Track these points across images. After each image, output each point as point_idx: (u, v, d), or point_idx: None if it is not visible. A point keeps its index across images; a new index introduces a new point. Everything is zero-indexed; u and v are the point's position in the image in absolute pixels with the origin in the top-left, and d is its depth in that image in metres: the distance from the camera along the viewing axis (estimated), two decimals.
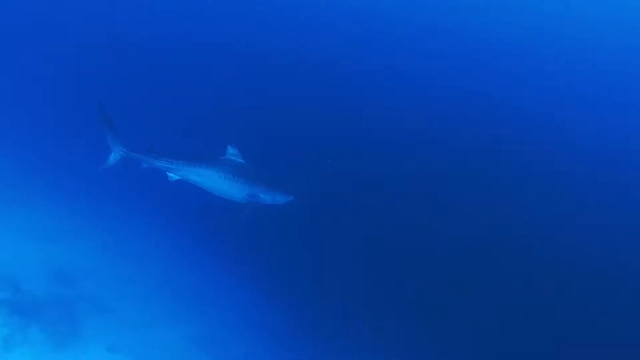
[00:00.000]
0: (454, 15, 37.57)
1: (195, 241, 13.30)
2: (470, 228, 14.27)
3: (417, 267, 12.97)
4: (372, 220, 14.16)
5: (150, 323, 10.65)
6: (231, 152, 9.18)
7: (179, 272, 12.24)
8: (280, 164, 12.69)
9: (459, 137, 19.40)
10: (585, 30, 40.24)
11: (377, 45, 29.81)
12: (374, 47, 29.29)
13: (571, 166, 19.36)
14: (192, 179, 9.26)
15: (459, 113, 21.83)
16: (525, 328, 11.80)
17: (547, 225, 15.42)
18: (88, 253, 11.77)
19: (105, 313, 10.42)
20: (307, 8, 32.76)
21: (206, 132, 15.71)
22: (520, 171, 18.12)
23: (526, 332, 11.71)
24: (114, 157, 9.48)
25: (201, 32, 25.21)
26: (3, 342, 8.93)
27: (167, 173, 9.28)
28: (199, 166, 9.08)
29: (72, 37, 21.81)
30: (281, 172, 11.06)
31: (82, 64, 20.31)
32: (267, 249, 12.96)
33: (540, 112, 24.22)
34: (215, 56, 22.85)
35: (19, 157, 14.64)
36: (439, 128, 19.93)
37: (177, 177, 9.28)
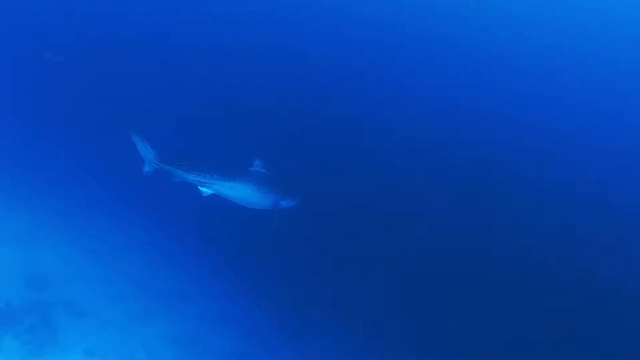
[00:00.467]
0: (458, 23, 37.19)
1: (173, 240, 13.12)
2: (470, 230, 14.32)
3: (407, 268, 13.00)
4: (364, 221, 14.09)
5: (129, 324, 10.57)
6: (257, 163, 9.44)
7: (157, 271, 12.10)
8: (291, 168, 12.48)
9: (465, 142, 19.32)
10: (583, 36, 40.27)
11: (387, 52, 29.39)
12: (383, 54, 28.89)
13: (567, 170, 19.47)
14: (225, 193, 9.35)
15: (462, 120, 21.74)
16: (524, 329, 11.82)
17: (546, 228, 15.50)
18: (63, 256, 11.52)
19: (82, 317, 10.28)
20: (332, 17, 32.09)
21: (217, 135, 15.43)
22: (520, 173, 18.20)
23: (525, 334, 11.74)
24: (147, 169, 9.45)
25: (219, 37, 24.29)
26: None
27: (200, 188, 9.28)
28: (232, 180, 9.20)
29: (85, 40, 20.78)
30: (292, 176, 11.08)
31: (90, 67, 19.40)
32: (249, 246, 12.85)
33: (537, 119, 24.28)
34: (232, 60, 22.13)
35: None
36: (448, 132, 19.82)
37: (211, 192, 9.31)
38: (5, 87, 16.59)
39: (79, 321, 10.17)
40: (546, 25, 40.68)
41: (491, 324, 11.67)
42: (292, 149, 15.21)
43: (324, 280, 12.46)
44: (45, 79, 17.56)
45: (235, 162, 9.63)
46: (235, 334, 11.13)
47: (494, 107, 24.05)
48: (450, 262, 13.33)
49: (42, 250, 11.42)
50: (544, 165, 19.31)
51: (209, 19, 26.65)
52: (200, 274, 12.38)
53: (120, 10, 24.00)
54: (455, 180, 16.59)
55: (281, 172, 9.72)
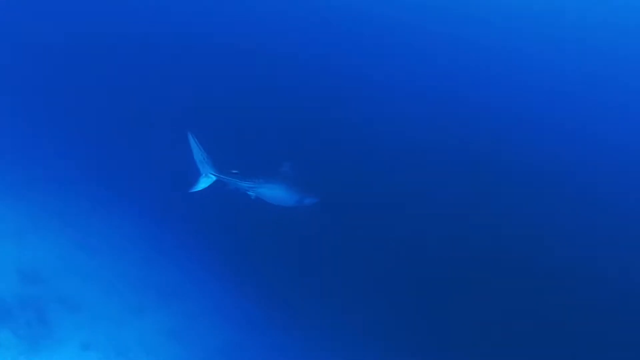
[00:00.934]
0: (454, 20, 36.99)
1: (168, 235, 13.18)
2: (471, 230, 14.34)
3: (407, 267, 13.02)
4: (364, 220, 14.10)
5: (124, 318, 10.73)
6: (287, 165, 10.38)
7: (152, 266, 12.21)
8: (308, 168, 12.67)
9: (466, 142, 19.28)
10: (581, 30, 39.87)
11: (396, 53, 29.31)
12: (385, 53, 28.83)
13: (568, 166, 19.37)
14: (265, 194, 10.18)
15: (467, 117, 21.65)
16: (523, 330, 11.86)
17: (544, 226, 15.46)
18: (58, 251, 11.63)
19: (78, 311, 10.43)
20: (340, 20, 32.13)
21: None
22: (519, 172, 18.16)
23: (524, 335, 11.77)
24: (205, 180, 9.86)
25: (224, 38, 24.17)
26: None
27: (248, 192, 10.05)
28: (273, 182, 10.10)
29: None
30: (312, 176, 11.55)
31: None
32: (243, 241, 12.95)
33: (538, 112, 24.14)
34: (245, 63, 22.09)
35: None
36: (451, 132, 19.79)
37: (256, 195, 10.13)
38: (5, 86, 16.78)
39: (75, 315, 10.31)
40: (552, 23, 40.43)
41: (491, 324, 11.72)
42: (302, 149, 15.32)
43: (321, 276, 12.55)
44: (45, 78, 17.74)
45: (270, 165, 10.47)
46: (230, 328, 11.26)
47: (497, 106, 23.96)
48: (450, 261, 13.36)
49: (37, 246, 11.52)
50: (546, 162, 19.24)
51: (214, 18, 26.72)
52: (195, 268, 12.49)
53: (137, 10, 24.10)
54: (458, 180, 16.58)
55: (303, 172, 10.57)
